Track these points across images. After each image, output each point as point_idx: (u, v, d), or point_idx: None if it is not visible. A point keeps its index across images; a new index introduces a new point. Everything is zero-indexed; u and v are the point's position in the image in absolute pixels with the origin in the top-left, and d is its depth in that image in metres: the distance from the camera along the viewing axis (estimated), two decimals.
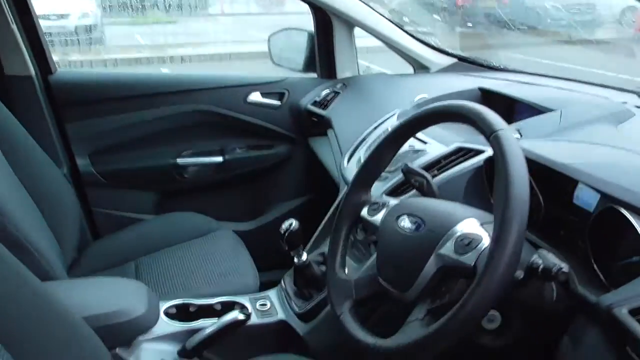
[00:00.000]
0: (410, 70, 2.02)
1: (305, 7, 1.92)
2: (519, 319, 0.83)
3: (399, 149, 0.97)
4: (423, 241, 0.80)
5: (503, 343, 0.84)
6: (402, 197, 1.06)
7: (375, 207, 0.94)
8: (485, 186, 1.06)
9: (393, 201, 0.94)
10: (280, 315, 1.25)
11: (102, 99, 1.84)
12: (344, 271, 0.94)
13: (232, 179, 2.00)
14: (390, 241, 0.86)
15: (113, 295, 1.07)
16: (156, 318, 1.09)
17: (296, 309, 1.22)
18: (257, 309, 1.26)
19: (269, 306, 1.27)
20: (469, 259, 0.74)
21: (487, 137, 0.76)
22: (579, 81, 1.54)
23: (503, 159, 0.72)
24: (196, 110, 1.90)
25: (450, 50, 1.98)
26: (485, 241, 0.75)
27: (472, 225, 0.78)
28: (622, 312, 0.70)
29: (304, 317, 1.20)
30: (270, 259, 1.76)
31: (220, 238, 1.64)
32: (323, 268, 1.27)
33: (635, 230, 0.78)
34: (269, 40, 2.10)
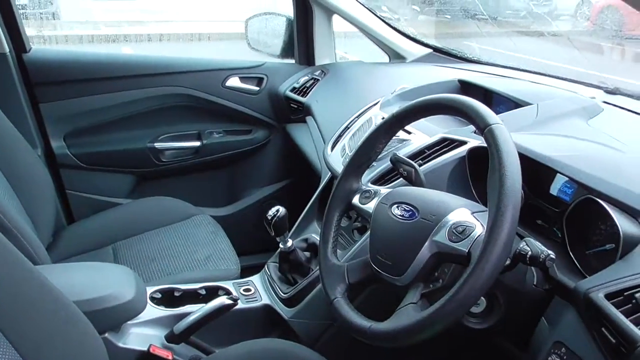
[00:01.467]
0: (386, 58, 2.06)
1: None
2: (502, 303, 0.88)
3: (390, 138, 1.00)
4: (417, 229, 0.84)
5: (486, 325, 0.90)
6: (391, 185, 1.09)
7: (367, 195, 0.97)
8: (467, 176, 1.10)
9: (384, 189, 0.97)
10: (265, 300, 1.27)
11: (78, 79, 1.79)
12: (336, 257, 0.97)
13: (209, 164, 1.99)
14: (384, 228, 0.89)
15: (101, 280, 1.06)
16: (144, 303, 1.09)
17: (281, 294, 1.25)
18: (242, 294, 1.28)
19: (253, 291, 1.29)
20: (463, 245, 0.78)
21: (481, 131, 0.80)
22: (549, 75, 1.61)
23: (498, 152, 0.76)
24: (174, 93, 1.88)
25: (425, 41, 2.02)
26: (478, 229, 0.79)
27: (464, 214, 0.82)
28: (599, 296, 0.76)
29: (288, 302, 1.23)
30: (248, 244, 1.78)
31: (199, 223, 1.64)
32: (307, 254, 1.29)
33: (609, 219, 0.84)
34: (246, 23, 2.09)
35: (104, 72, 1.82)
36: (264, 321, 1.26)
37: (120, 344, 1.06)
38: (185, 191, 1.87)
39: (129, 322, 1.09)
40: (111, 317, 1.02)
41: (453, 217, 0.82)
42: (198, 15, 7.72)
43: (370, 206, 0.95)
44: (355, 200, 0.99)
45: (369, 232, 1.15)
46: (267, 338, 1.20)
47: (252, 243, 1.79)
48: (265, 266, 1.36)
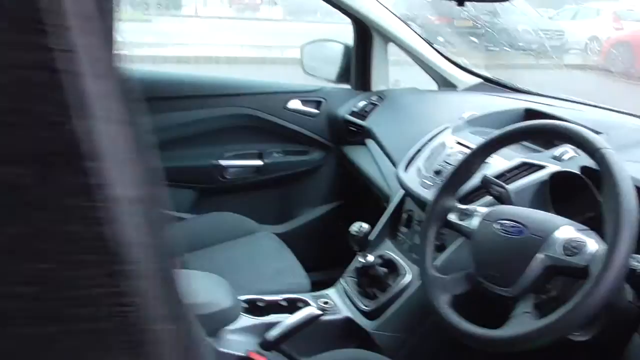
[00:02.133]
0: (434, 86, 2.14)
1: (279, 14, 2.01)
2: (601, 317, 0.93)
3: (485, 160, 1.06)
4: (526, 243, 0.89)
5: (585, 338, 0.94)
6: (478, 203, 1.15)
7: (467, 213, 1.03)
8: (548, 198, 1.16)
9: (481, 208, 1.03)
10: (345, 312, 1.32)
11: (149, 96, 1.85)
12: (435, 270, 1.02)
13: (268, 182, 2.05)
14: (489, 242, 0.95)
15: (201, 286, 1.11)
16: (239, 311, 1.14)
17: (362, 307, 1.29)
18: (321, 306, 1.32)
19: (332, 304, 1.34)
20: (579, 260, 0.83)
21: (592, 155, 0.87)
22: (604, 108, 1.68)
23: (612, 174, 0.82)
24: (239, 113, 1.96)
25: (476, 71, 2.10)
26: (591, 245, 0.84)
27: (572, 232, 0.88)
28: None
29: (370, 314, 1.28)
30: (308, 261, 1.82)
31: (263, 239, 1.69)
32: (385, 269, 1.35)
33: None
34: (301, 49, 2.18)
35: (173, 91, 1.90)
36: (343, 333, 1.30)
37: (220, 349, 1.10)
38: (243, 208, 1.93)
39: (225, 328, 1.14)
40: (213, 322, 1.08)
41: (561, 234, 0.88)
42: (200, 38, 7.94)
43: (471, 223, 1.01)
44: (452, 217, 1.05)
45: (450, 248, 1.21)
46: (352, 349, 1.24)
47: (312, 259, 1.84)
48: (341, 280, 1.40)
